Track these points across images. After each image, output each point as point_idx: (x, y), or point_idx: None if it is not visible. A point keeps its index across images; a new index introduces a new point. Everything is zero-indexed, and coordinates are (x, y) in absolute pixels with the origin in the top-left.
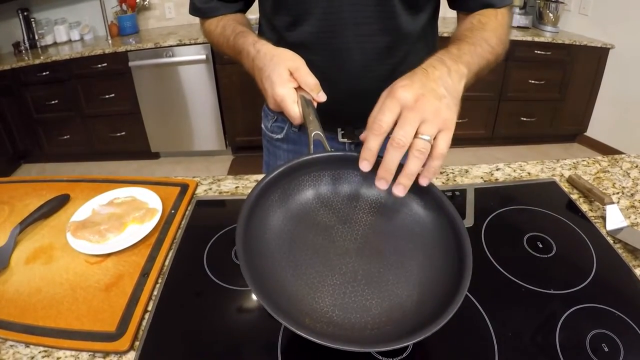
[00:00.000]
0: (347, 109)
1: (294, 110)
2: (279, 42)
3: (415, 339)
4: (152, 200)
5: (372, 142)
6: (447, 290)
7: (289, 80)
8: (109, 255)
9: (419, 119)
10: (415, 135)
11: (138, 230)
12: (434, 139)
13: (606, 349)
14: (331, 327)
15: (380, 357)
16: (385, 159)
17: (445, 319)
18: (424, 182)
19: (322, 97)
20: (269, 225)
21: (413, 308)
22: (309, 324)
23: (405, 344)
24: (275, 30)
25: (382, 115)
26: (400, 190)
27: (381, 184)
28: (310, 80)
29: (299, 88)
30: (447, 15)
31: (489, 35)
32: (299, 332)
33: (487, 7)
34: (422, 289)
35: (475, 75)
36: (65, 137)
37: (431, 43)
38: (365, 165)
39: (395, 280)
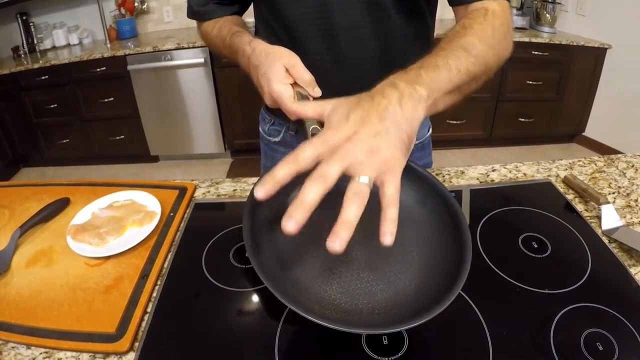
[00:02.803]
0: None
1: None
2: (275, 44)
3: (419, 321)
4: (151, 203)
5: (280, 170)
6: (448, 275)
7: (285, 77)
8: (108, 257)
9: (348, 159)
10: (351, 179)
11: (137, 233)
12: (380, 185)
13: (601, 348)
14: (339, 313)
15: (376, 356)
16: (301, 194)
17: (448, 302)
18: (385, 240)
19: (317, 92)
20: (274, 217)
21: (416, 293)
22: (318, 311)
23: (410, 326)
24: (270, 34)
25: (303, 147)
26: (337, 244)
27: (290, 224)
28: (305, 76)
29: (294, 84)
30: (444, 17)
31: (471, 41)
32: (311, 318)
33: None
34: (424, 275)
35: (448, 93)
36: (65, 141)
37: (426, 46)
38: (259, 192)
39: (397, 267)
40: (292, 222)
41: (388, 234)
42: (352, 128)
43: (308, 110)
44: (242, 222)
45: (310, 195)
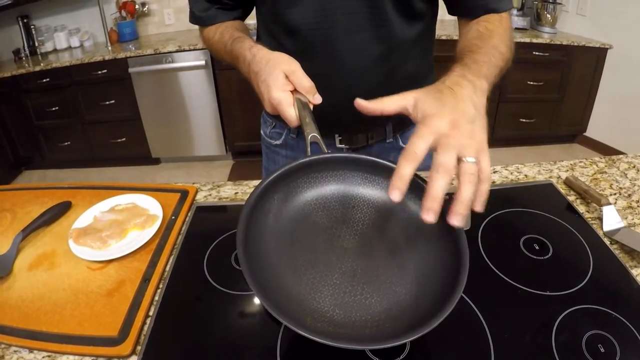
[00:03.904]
0: (343, 115)
1: (291, 113)
2: (276, 49)
3: (415, 335)
4: (152, 206)
5: (405, 169)
6: (444, 287)
7: (285, 84)
8: (110, 261)
9: (458, 144)
10: (460, 161)
11: (139, 236)
12: (478, 162)
13: (602, 350)
14: (332, 326)
15: (377, 359)
16: (432, 187)
17: (444, 315)
18: (480, 208)
19: (317, 99)
20: (269, 227)
21: (412, 305)
22: (310, 324)
23: (405, 341)
24: (272, 37)
25: (416, 142)
26: (459, 221)
27: (430, 216)
28: (305, 83)
29: (294, 91)
30: (445, 17)
31: (497, 42)
32: (301, 332)
33: (490, 12)
34: (420, 287)
35: (491, 86)
36: (66, 143)
37: (428, 48)
38: (396, 195)
39: (393, 278)
40: (432, 213)
41: (481, 205)
42: (452, 115)
43: (390, 105)
44: (237, 232)
45: (440, 186)
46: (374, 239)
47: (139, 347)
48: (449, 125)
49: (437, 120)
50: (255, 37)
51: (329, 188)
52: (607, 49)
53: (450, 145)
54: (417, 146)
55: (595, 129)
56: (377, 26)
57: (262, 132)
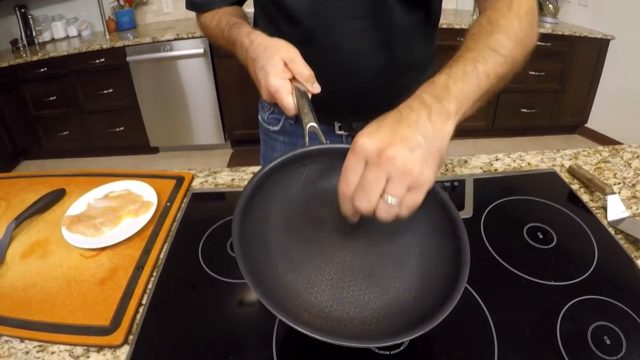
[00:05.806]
0: (342, 103)
1: (288, 101)
2: (275, 34)
3: (414, 334)
4: (147, 193)
5: (344, 207)
6: (445, 283)
7: (283, 71)
8: (103, 249)
9: (383, 178)
10: (381, 195)
11: (133, 223)
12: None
13: (608, 342)
14: (330, 322)
15: (378, 350)
16: (342, 206)
17: (445, 314)
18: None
19: (316, 88)
20: (265, 219)
21: (411, 302)
22: (307, 320)
23: (404, 340)
24: (270, 22)
25: (345, 177)
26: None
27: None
28: (305, 71)
29: (293, 79)
30: (446, 7)
31: (499, 39)
32: (298, 328)
33: None
34: (420, 283)
35: (478, 100)
36: (64, 133)
37: (430, 36)
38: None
39: (392, 274)
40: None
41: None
42: (386, 139)
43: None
44: (232, 225)
45: (348, 209)
46: (373, 233)
47: (131, 337)
48: (379, 149)
49: (366, 141)
50: (252, 24)
51: (327, 180)
52: (609, 39)
53: (371, 182)
54: (348, 184)
55: (596, 120)
56: (376, 12)
57: (259, 117)
